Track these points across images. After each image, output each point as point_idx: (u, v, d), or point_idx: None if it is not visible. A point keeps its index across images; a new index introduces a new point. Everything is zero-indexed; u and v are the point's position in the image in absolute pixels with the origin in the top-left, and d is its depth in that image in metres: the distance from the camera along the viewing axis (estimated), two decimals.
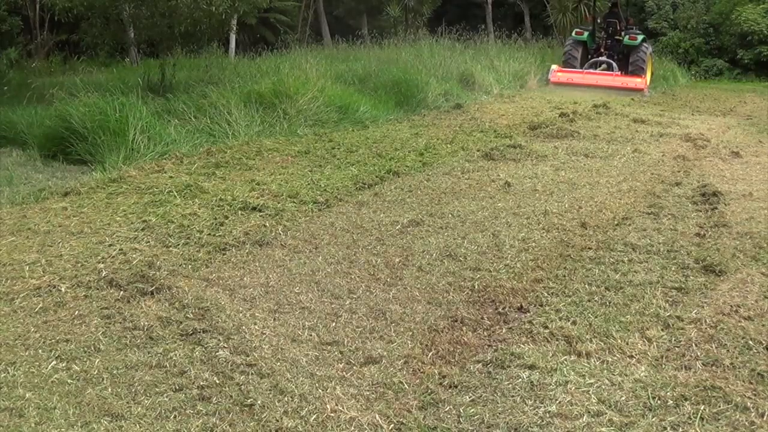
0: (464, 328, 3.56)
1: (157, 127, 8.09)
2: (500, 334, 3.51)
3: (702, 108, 14.74)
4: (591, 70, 17.44)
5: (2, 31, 17.33)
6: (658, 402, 2.88)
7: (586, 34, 18.40)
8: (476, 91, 14.76)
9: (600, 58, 17.87)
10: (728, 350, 3.32)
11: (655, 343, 3.39)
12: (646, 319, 3.67)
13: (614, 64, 17.50)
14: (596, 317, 3.69)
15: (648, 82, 17.82)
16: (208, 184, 6.40)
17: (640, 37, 18.03)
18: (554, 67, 17.50)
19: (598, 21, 18.96)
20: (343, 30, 24.56)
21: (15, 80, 11.55)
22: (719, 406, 2.85)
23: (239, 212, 5.52)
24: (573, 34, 18.92)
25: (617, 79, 16.85)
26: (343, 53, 17.86)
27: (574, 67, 17.71)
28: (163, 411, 2.80)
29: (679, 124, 11.56)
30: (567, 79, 16.85)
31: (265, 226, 5.21)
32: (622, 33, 18.17)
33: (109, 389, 2.95)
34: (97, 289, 3.99)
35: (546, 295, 4.00)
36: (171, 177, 6.63)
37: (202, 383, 3.00)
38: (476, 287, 4.08)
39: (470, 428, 2.73)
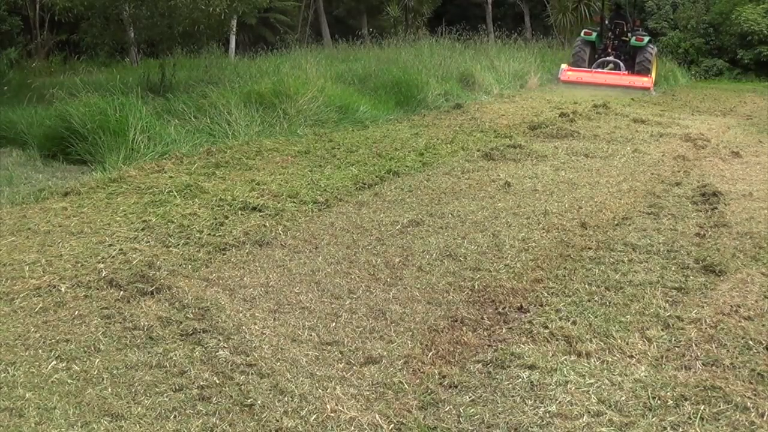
0: (464, 328, 3.56)
1: (157, 127, 8.10)
2: (500, 334, 3.51)
3: (702, 108, 14.74)
4: (599, 70, 17.66)
5: (2, 31, 17.32)
6: (658, 402, 2.88)
7: (594, 34, 18.75)
8: (476, 91, 14.76)
9: (607, 58, 18.16)
10: (728, 350, 3.32)
11: (655, 343, 3.39)
12: (646, 319, 3.67)
13: (621, 64, 17.76)
14: (596, 317, 3.69)
15: (653, 82, 18.02)
16: (208, 184, 6.40)
17: (646, 39, 18.39)
18: (564, 66, 17.76)
19: (606, 22, 19.13)
20: (343, 30, 24.59)
21: (15, 80, 11.52)
22: (719, 406, 2.85)
23: (239, 212, 5.53)
24: (582, 34, 19.24)
25: (625, 78, 17.24)
26: (343, 53, 17.88)
27: (584, 66, 17.93)
28: (163, 411, 2.80)
29: (679, 124, 11.56)
30: (577, 78, 17.27)
31: (265, 226, 5.21)
32: (629, 34, 18.44)
33: (109, 389, 2.95)
34: (97, 289, 3.99)
35: (546, 295, 4.00)
36: (171, 177, 6.64)
37: (202, 383, 3.00)
38: (476, 287, 4.08)
39: (470, 428, 2.73)
